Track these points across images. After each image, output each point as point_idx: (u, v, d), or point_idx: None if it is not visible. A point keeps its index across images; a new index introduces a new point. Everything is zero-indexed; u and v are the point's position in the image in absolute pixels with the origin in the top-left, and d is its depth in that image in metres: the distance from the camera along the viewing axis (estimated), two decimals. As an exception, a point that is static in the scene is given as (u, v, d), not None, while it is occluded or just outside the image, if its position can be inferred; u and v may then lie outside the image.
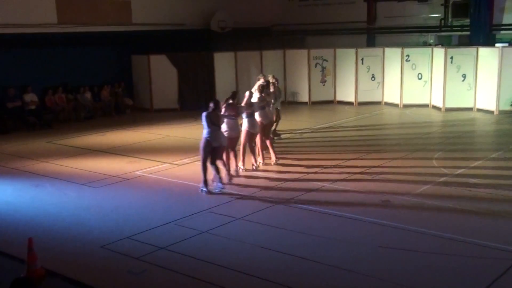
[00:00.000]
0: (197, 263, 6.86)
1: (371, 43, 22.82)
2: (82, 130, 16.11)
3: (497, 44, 18.30)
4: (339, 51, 20.10)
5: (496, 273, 6.33)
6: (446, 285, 6.15)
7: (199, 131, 14.07)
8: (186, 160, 11.99)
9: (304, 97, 20.42)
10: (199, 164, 9.91)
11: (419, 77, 18.67)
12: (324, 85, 20.33)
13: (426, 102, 18.59)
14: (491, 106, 16.93)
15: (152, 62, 19.26)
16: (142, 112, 19.17)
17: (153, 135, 15.30)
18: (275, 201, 9.14)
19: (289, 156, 12.38)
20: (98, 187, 10.20)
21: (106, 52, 19.57)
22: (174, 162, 11.90)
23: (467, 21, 20.68)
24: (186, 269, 6.69)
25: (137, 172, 11.15)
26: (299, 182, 10.24)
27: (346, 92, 20.06)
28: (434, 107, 18.37)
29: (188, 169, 11.18)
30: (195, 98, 19.27)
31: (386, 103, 19.51)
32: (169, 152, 12.88)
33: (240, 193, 9.59)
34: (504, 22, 20.53)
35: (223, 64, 20.01)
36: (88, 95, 18.34)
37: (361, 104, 19.63)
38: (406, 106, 18.78)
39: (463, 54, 17.69)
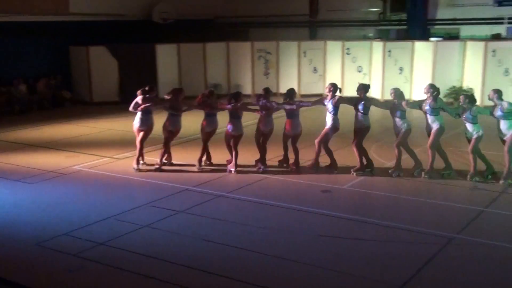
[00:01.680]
0: (138, 258, 6.75)
1: (313, 36, 23.12)
2: (17, 124, 15.44)
3: (431, 39, 19.00)
4: (282, 44, 20.24)
5: (427, 256, 6.59)
6: (382, 270, 6.35)
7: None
8: (127, 154, 11.75)
9: (248, 90, 20.44)
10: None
11: (359, 69, 19.11)
12: (267, 78, 20.41)
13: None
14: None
15: (92, 54, 18.71)
16: (82, 105, 18.59)
17: (93, 128, 14.90)
18: (217, 193, 9.13)
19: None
20: (33, 183, 9.83)
21: (42, 43, 18.79)
22: (115, 156, 11.64)
23: (404, 16, 21.33)
24: (126, 264, 6.58)
25: (75, 167, 10.83)
26: (241, 174, 10.26)
27: (289, 85, 20.00)
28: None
29: (129, 163, 10.96)
30: (136, 91, 18.86)
31: (328, 96, 19.83)
32: (110, 146, 12.58)
33: (182, 186, 9.51)
34: (438, 17, 21.33)
35: (166, 56, 19.73)
36: (22, 87, 17.60)
37: (304, 96, 19.81)
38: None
39: (400, 48, 18.24)
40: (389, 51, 18.17)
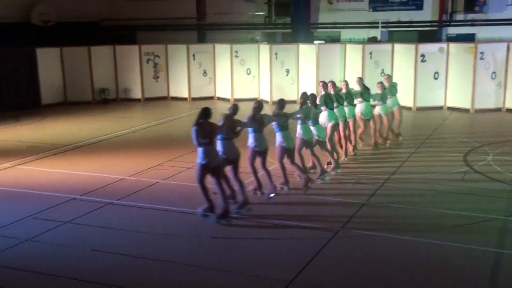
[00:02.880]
0: (19, 274, 6.37)
1: (202, 39, 23.24)
2: None
3: (315, 41, 19.90)
4: (171, 47, 20.09)
5: (315, 250, 6.92)
6: (273, 267, 6.56)
7: (21, 132, 13.12)
8: (6, 165, 11.04)
9: (137, 94, 20.06)
10: (21, 168, 9.20)
11: (248, 72, 19.51)
12: (157, 81, 20.17)
13: (255, 96, 19.51)
14: (312, 98, 18.32)
15: (-37, 58, 17.31)
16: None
17: (-33, 139, 13.79)
18: (106, 201, 8.87)
19: (121, 154, 12.11)
20: None
21: None
22: (-8, 168, 10.89)
23: (288, 20, 22.16)
24: (7, 281, 6.18)
25: None
26: (131, 180, 10.06)
27: (180, 88, 20.17)
28: (262, 100, 19.33)
29: (9, 174, 10.30)
30: (16, 97, 17.83)
31: (219, 98, 20.04)
32: (-14, 157, 11.73)
33: (68, 196, 9.12)
34: (320, 21, 22.43)
35: (48, 61, 18.77)
36: None
37: (195, 99, 19.90)
38: (237, 100, 19.48)
39: (286, 51, 18.91)
40: (276, 54, 18.76)
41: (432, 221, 7.86)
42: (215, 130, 7.86)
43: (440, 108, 17.10)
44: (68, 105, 18.98)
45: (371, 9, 21.69)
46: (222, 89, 19.95)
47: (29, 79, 18.27)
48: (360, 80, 12.13)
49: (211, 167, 7.74)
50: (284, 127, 9.10)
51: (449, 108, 17.00)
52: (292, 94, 18.93)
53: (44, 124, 15.94)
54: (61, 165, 11.10)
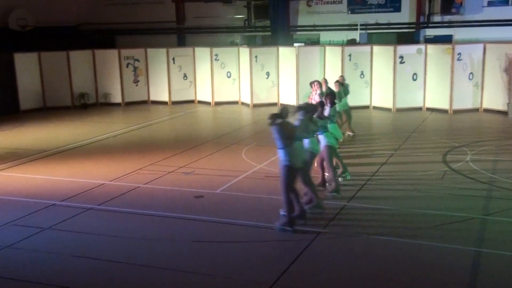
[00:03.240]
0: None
1: (181, 43, 23.20)
2: None
3: (295, 44, 19.99)
4: (150, 50, 20.01)
5: (297, 252, 6.95)
6: (256, 270, 6.57)
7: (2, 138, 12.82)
8: (-16, 172, 10.88)
9: (117, 98, 19.92)
10: (0, 174, 9.08)
11: (228, 75, 19.51)
12: (137, 85, 20.06)
13: (236, 99, 19.53)
14: (292, 100, 18.40)
15: None
16: None
17: None
18: (86, 206, 8.79)
19: (102, 159, 12.02)
20: None
21: None
22: (-30, 175, 10.71)
23: (268, 23, 22.23)
24: (-15, 290, 6.10)
25: None
26: (112, 185, 9.99)
27: (160, 92, 20.08)
28: (243, 103, 19.37)
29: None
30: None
31: (199, 101, 20.00)
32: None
33: (48, 201, 9.02)
34: (299, 24, 22.56)
35: (26, 66, 18.55)
36: None
37: (175, 103, 19.84)
38: (218, 103, 19.49)
39: (266, 53, 18.95)
40: (256, 57, 18.80)
41: (412, 221, 7.94)
42: (294, 130, 7.66)
43: (420, 109, 17.30)
44: (47, 111, 18.77)
45: (349, 12, 21.88)
46: (203, 93, 19.91)
47: (7, 85, 18.02)
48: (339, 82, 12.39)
49: (296, 168, 7.59)
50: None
51: (428, 109, 17.21)
52: (273, 97, 19.02)
53: (23, 130, 15.76)
54: (40, 171, 10.99)
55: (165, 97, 19.99)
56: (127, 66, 19.86)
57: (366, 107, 17.82)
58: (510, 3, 19.68)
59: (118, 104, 19.84)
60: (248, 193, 9.39)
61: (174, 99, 19.94)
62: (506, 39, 17.52)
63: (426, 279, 6.24)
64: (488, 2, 19.90)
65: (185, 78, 19.98)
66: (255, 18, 22.68)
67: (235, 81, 19.51)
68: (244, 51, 19.18)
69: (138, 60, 19.92)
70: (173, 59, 19.80)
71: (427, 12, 20.98)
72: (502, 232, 7.52)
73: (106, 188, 9.80)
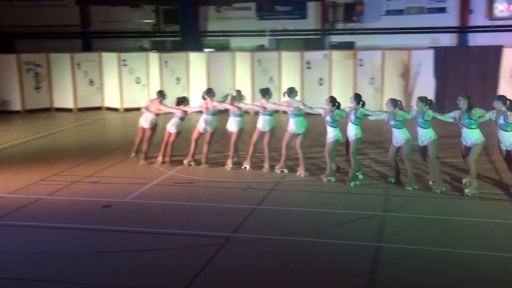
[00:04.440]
0: None
1: (87, 48, 22.42)
2: None
3: (205, 49, 20.01)
4: (53, 55, 19.12)
5: (206, 258, 6.94)
6: (163, 278, 6.47)
7: None
8: None
9: (16, 106, 18.83)
10: None
11: (138, 81, 19.12)
12: (39, 92, 19.08)
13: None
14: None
15: None
16: None
17: None
18: (-18, 222, 8.23)
19: (0, 170, 11.30)
20: None
21: None
22: None
23: (177, 28, 22.07)
24: None
25: None
26: (12, 198, 9.42)
27: (64, 99, 19.24)
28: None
29: None
30: None
31: (108, 108, 19.42)
32: None
33: None
34: (209, 29, 22.62)
35: None
36: None
37: (82, 110, 19.12)
38: (127, 110, 19.02)
39: (176, 59, 18.79)
40: (166, 62, 18.58)
41: (318, 221, 8.20)
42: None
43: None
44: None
45: (258, 18, 22.27)
46: (111, 99, 19.34)
47: None
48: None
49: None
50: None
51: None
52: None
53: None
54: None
55: (70, 104, 19.18)
56: (27, 72, 18.83)
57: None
58: (405, 12, 20.95)
59: (18, 112, 18.76)
60: (157, 201, 9.25)
61: (80, 105, 19.21)
62: (402, 46, 18.61)
63: (330, 274, 6.47)
64: (386, 11, 21.07)
65: (91, 84, 19.30)
66: (164, 23, 22.44)
67: (145, 87, 19.16)
68: (154, 57, 18.90)
69: (40, 66, 18.96)
70: (78, 64, 19.08)
71: (331, 20, 21.81)
72: (398, 227, 7.96)
73: (4, 201, 9.22)
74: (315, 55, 18.04)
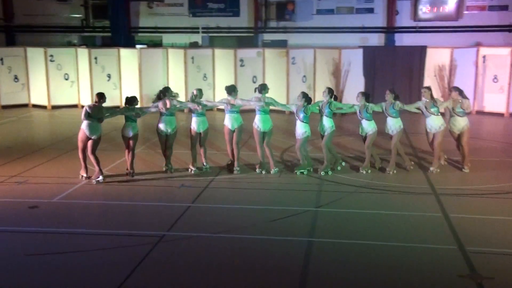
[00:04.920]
0: None
1: (11, 42, 21.41)
2: None
3: (137, 46, 19.62)
4: (-27, 50, 18.14)
5: (140, 257, 6.83)
6: (94, 279, 6.31)
7: None
8: None
9: None
10: None
11: (66, 77, 18.47)
12: (-43, 89, 18.01)
13: (75, 102, 18.57)
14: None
15: None
16: None
17: None
18: None
19: None
20: None
21: None
22: None
23: (108, 23, 21.51)
24: None
25: None
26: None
27: (-14, 95, 18.28)
28: (83, 106, 18.41)
29: None
30: None
31: (34, 105, 18.63)
32: None
33: None
34: (141, 25, 22.20)
35: None
36: None
37: (6, 107, 18.24)
38: (55, 107, 18.33)
39: (106, 55, 18.31)
40: (96, 58, 18.07)
41: (252, 218, 8.27)
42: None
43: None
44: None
45: (191, 15, 22.11)
46: (38, 96, 18.58)
47: None
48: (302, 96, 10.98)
49: None
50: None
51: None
52: (115, 100, 18.44)
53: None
54: None
55: (-8, 101, 18.26)
56: None
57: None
58: (335, 12, 21.51)
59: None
60: (87, 200, 9.00)
61: (4, 103, 18.32)
62: (333, 45, 19.09)
63: (264, 270, 6.55)
64: (317, 10, 21.54)
65: (16, 80, 18.45)
66: (93, 17, 21.79)
67: (74, 83, 18.53)
68: (83, 52, 18.32)
69: (-43, 61, 17.91)
70: (1, 59, 18.18)
71: (264, 18, 22.02)
72: (330, 222, 8.18)
73: None
74: (248, 53, 18.13)
